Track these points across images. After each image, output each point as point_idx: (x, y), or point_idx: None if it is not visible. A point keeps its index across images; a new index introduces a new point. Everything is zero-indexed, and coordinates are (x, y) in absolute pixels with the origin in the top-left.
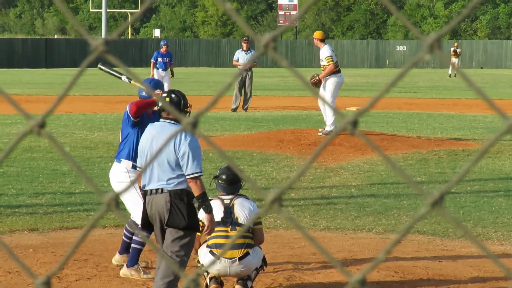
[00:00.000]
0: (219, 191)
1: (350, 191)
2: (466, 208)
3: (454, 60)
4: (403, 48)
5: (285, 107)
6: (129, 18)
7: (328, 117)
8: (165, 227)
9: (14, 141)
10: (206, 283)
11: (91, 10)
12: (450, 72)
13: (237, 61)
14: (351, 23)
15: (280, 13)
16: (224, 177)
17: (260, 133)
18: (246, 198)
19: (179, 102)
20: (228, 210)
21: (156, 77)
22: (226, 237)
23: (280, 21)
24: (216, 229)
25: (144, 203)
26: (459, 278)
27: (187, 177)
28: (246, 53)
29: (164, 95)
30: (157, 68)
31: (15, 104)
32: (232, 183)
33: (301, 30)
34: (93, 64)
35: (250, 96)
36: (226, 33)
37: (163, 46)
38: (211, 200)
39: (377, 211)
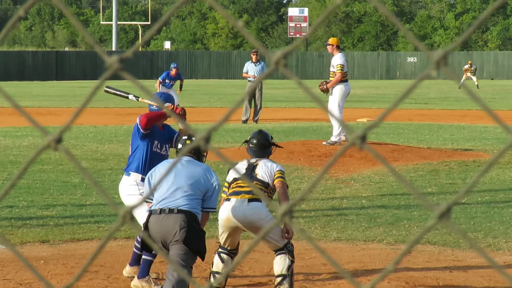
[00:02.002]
0: (250, 155)
1: (360, 202)
2: (476, 219)
3: (470, 76)
4: (414, 59)
5: (295, 119)
6: (140, 31)
7: (334, 128)
8: (172, 245)
9: (32, 156)
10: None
11: (101, 22)
12: (461, 83)
13: (247, 73)
14: (362, 35)
15: (290, 25)
16: (254, 141)
17: None
18: (272, 161)
19: (198, 148)
20: (250, 167)
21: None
22: (240, 187)
23: (291, 33)
24: (233, 183)
25: (147, 223)
26: None
27: (205, 209)
28: (255, 64)
29: (185, 137)
30: (163, 85)
31: (30, 118)
32: (262, 148)
33: (311, 42)
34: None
35: (260, 107)
36: (237, 45)
37: (173, 69)
38: (238, 163)
39: (388, 222)
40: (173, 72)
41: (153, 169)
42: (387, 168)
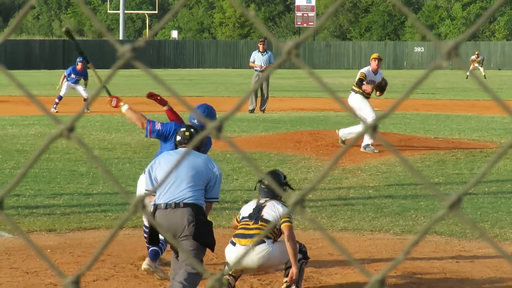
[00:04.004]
0: (260, 195)
1: (367, 192)
2: (483, 209)
3: (478, 66)
4: (421, 49)
5: (302, 109)
6: (147, 20)
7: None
8: (181, 240)
9: (44, 144)
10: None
11: (108, 11)
12: (468, 74)
13: (254, 62)
14: (369, 25)
15: (297, 14)
16: (266, 183)
17: (277, 134)
18: (282, 203)
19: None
20: (258, 207)
21: (64, 87)
22: (247, 229)
23: (298, 23)
24: (241, 222)
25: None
26: (476, 278)
27: (208, 199)
28: (262, 54)
29: (183, 129)
30: (68, 80)
31: (43, 107)
32: (273, 192)
33: (318, 32)
34: (109, 65)
35: (267, 97)
36: (244, 34)
37: (78, 63)
38: (249, 202)
39: (395, 212)
40: (79, 66)
41: (153, 161)
42: (397, 157)
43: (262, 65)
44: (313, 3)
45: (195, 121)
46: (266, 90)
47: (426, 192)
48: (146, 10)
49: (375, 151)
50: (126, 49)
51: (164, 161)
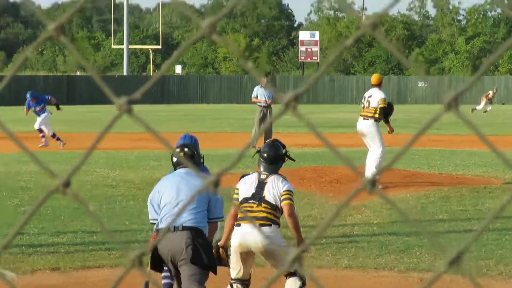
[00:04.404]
0: (259, 167)
1: (372, 229)
2: (488, 246)
3: (487, 102)
4: (425, 84)
5: (305, 144)
6: (151, 55)
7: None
8: (181, 264)
9: (40, 200)
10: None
11: (112, 46)
12: (482, 108)
13: (257, 97)
14: (373, 59)
15: (301, 49)
16: (265, 155)
17: (281, 170)
18: (282, 177)
19: (193, 155)
20: (260, 186)
21: (39, 122)
22: (251, 211)
23: (302, 57)
24: (244, 204)
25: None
26: None
27: (212, 220)
28: (265, 89)
29: (177, 150)
30: (35, 113)
31: (37, 160)
32: (272, 163)
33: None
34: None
35: (271, 133)
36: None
37: (29, 98)
38: (250, 173)
39: (399, 249)
40: (32, 100)
41: (152, 191)
42: (399, 213)
43: (267, 99)
44: (317, 37)
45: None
46: (269, 130)
47: (429, 229)
48: (150, 45)
49: (379, 186)
50: (122, 101)
51: (164, 187)
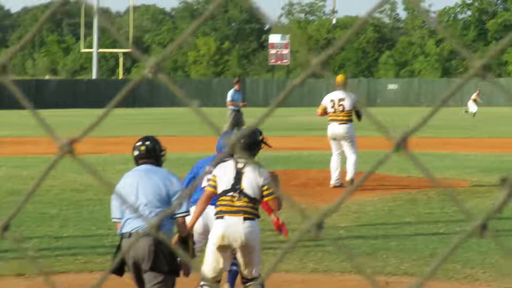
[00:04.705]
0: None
1: (338, 233)
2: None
3: (471, 104)
4: (395, 86)
5: (276, 148)
6: (121, 58)
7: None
8: (145, 271)
9: None
10: None
11: (82, 50)
12: (473, 111)
13: (233, 101)
14: (343, 62)
15: (271, 52)
16: (242, 141)
17: None
18: (258, 168)
19: (154, 149)
20: (238, 176)
21: None
22: (231, 205)
23: (272, 60)
24: (223, 197)
25: (119, 247)
26: None
27: (179, 215)
28: (239, 92)
29: (139, 143)
30: None
31: None
32: (249, 149)
33: (292, 69)
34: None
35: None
36: (218, 72)
37: None
38: (227, 161)
39: (366, 253)
40: None
41: (115, 189)
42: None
43: (241, 102)
44: (287, 40)
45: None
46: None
47: (396, 231)
48: (120, 49)
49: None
50: (64, 142)
51: (125, 187)
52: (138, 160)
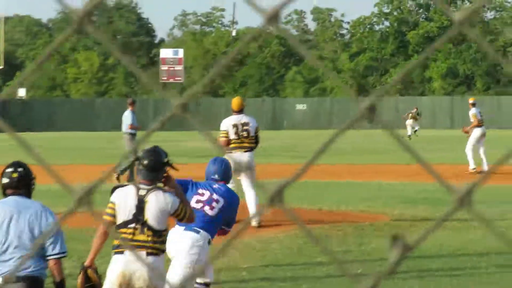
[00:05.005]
0: (139, 177)
1: (240, 275)
2: (395, 280)
3: (411, 122)
4: (303, 106)
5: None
6: None
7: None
8: None
9: None
10: None
11: None
12: (409, 133)
13: (133, 124)
14: (244, 79)
15: (163, 68)
16: (145, 162)
17: None
18: (163, 192)
19: (27, 176)
20: (141, 205)
21: None
22: (132, 240)
23: (163, 77)
24: (124, 229)
25: None
26: None
27: (53, 257)
28: (134, 114)
29: (10, 169)
30: None
31: None
32: (153, 170)
33: (186, 87)
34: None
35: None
36: (101, 92)
37: None
38: (127, 185)
39: None
40: None
41: None
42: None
43: (138, 125)
44: (181, 55)
45: (216, 176)
46: None
47: (307, 273)
48: None
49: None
50: None
51: None
52: (6, 189)
